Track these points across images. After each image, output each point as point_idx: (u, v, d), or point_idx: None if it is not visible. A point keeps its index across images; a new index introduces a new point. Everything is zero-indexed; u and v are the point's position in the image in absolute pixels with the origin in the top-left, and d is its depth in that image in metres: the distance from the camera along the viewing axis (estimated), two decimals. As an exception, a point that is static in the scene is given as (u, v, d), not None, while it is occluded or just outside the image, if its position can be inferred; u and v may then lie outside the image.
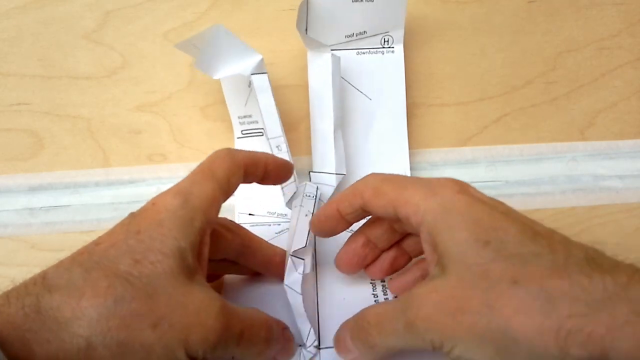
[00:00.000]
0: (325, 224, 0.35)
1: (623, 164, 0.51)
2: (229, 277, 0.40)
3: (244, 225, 0.46)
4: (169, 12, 0.46)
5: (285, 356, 0.32)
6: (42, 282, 0.25)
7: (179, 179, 0.49)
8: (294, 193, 0.43)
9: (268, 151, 0.43)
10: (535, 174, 0.50)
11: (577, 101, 0.50)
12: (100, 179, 0.50)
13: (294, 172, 0.43)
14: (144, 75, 0.48)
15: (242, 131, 0.48)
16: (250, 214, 0.47)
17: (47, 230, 0.48)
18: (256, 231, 0.45)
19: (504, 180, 0.50)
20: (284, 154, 0.42)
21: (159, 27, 0.47)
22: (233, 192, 0.32)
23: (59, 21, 0.46)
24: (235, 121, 0.48)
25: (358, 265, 0.36)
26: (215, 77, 0.42)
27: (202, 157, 0.49)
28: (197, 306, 0.26)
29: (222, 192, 0.31)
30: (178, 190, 0.29)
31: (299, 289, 0.34)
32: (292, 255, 0.35)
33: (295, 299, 0.34)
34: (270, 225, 0.46)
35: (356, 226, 0.36)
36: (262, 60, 0.41)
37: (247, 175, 0.33)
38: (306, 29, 0.42)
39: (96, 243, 0.27)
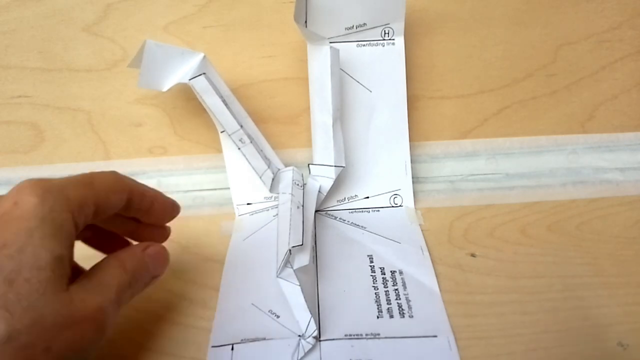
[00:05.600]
0: None
1: (623, 157, 0.51)
2: (224, 273, 0.40)
3: (244, 216, 0.46)
4: (169, 5, 0.46)
5: (158, 270, 0.33)
6: None
7: (180, 172, 0.50)
8: (273, 179, 0.43)
9: (234, 146, 0.43)
10: (535, 167, 0.51)
11: (578, 94, 0.50)
12: (101, 171, 0.50)
13: (271, 161, 0.44)
14: (144, 68, 0.48)
15: None
16: (248, 203, 0.47)
17: (48, 223, 0.48)
18: (256, 218, 0.46)
19: (504, 173, 0.50)
20: (248, 145, 0.42)
21: (159, 20, 0.47)
22: (109, 209, 0.30)
23: (59, 13, 0.46)
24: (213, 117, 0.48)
25: None
26: (164, 89, 0.42)
27: (203, 150, 0.50)
28: (81, 312, 0.26)
29: (94, 201, 0.29)
30: (47, 188, 0.27)
31: (295, 280, 0.34)
32: (288, 250, 0.35)
33: (292, 290, 0.34)
34: (269, 209, 0.46)
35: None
36: (204, 58, 0.41)
37: (131, 201, 0.32)
38: (305, 22, 0.42)
39: None
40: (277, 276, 0.34)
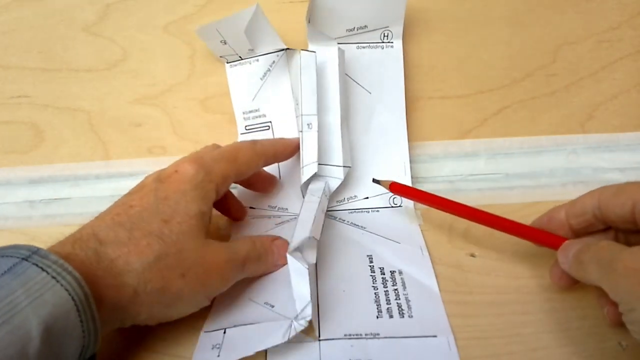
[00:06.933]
0: (548, 228, 0.36)
1: (623, 157, 0.50)
2: None
3: (245, 220, 0.46)
4: (169, 5, 0.46)
5: (281, 261, 0.38)
6: (95, 237, 0.30)
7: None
8: (313, 175, 0.43)
9: (297, 129, 0.45)
10: (535, 167, 0.50)
11: (577, 94, 0.50)
12: (101, 171, 0.50)
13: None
14: (144, 68, 0.48)
15: (245, 127, 0.48)
16: (251, 207, 0.47)
17: (47, 223, 0.48)
18: (257, 223, 0.46)
19: (504, 173, 0.50)
20: (313, 132, 0.42)
21: (159, 20, 0.47)
22: (249, 174, 0.40)
23: (59, 14, 0.46)
24: (239, 117, 0.48)
25: None
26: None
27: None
28: (212, 258, 0.33)
29: (236, 174, 0.37)
30: (201, 163, 0.35)
31: (304, 263, 0.33)
32: (308, 237, 0.35)
33: (299, 270, 0.33)
34: (270, 217, 0.46)
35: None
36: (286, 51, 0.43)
37: (266, 161, 0.41)
38: (308, 21, 0.42)
39: (129, 206, 0.32)
40: (289, 253, 0.34)
